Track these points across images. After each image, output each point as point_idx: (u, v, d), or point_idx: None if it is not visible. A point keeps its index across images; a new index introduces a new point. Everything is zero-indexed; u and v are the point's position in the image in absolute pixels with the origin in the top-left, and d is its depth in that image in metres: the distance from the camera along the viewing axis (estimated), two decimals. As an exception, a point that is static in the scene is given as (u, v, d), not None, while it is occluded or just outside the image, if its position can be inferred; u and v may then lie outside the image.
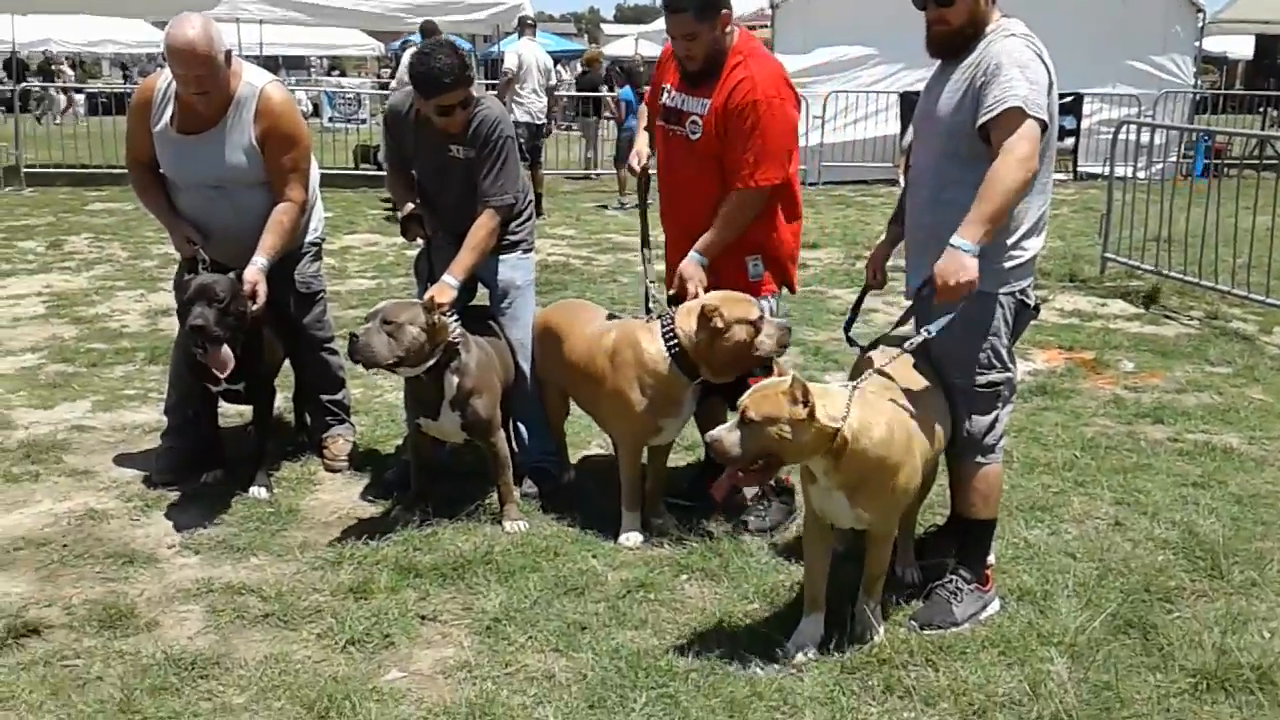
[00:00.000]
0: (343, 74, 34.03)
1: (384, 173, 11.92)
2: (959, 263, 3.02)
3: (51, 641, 3.14)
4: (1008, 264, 3.25)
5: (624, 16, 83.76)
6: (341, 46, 33.05)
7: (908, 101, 14.54)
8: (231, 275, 3.99)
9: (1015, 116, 3.05)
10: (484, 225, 4.10)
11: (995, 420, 3.37)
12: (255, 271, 3.99)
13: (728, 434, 2.93)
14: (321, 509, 4.17)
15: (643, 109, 4.48)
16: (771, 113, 3.79)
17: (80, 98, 23.57)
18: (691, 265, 3.92)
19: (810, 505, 3.22)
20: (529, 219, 4.44)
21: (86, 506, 4.08)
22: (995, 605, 3.45)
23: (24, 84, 18.29)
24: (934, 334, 3.15)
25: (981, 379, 3.30)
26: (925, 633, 3.29)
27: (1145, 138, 9.45)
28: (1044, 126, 3.08)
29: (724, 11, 3.78)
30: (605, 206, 12.66)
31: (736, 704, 2.91)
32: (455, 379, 3.86)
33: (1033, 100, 3.06)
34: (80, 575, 3.56)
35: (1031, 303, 3.36)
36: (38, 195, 12.68)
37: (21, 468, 4.42)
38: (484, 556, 3.69)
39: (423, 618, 3.34)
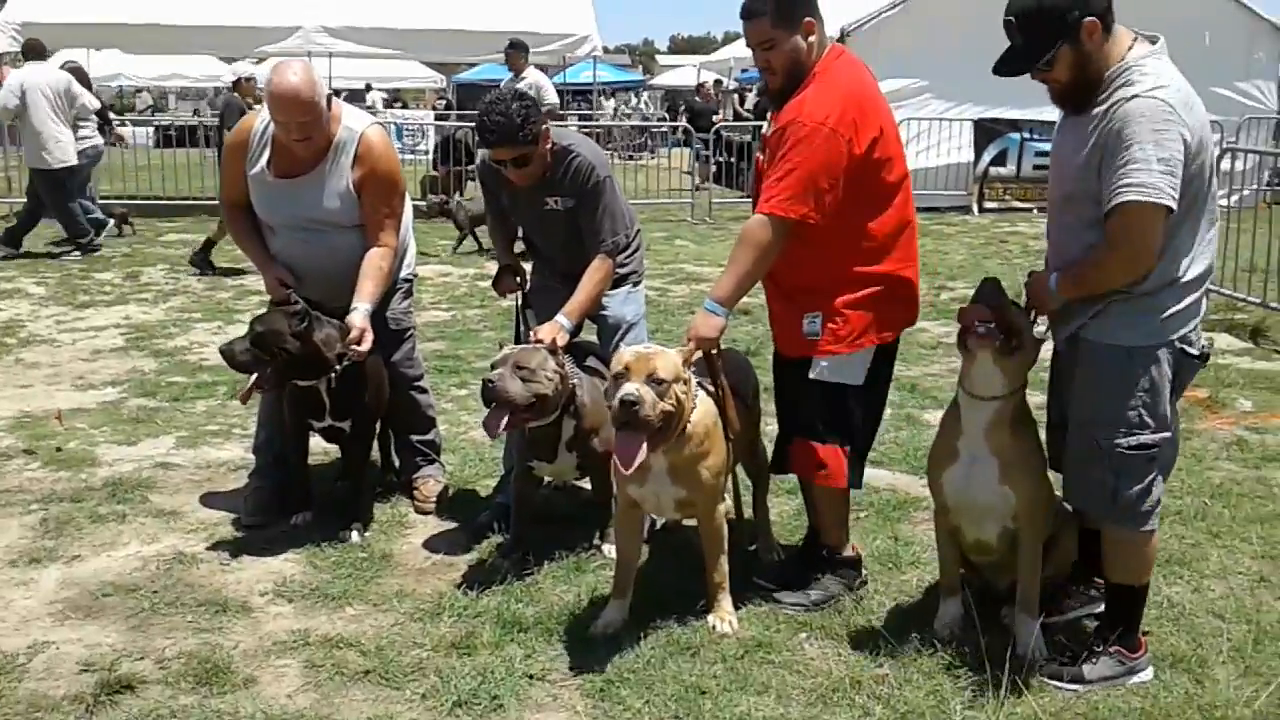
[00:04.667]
0: (404, 106, 34.34)
1: (435, 200, 11.76)
2: (1042, 294, 3.09)
3: (146, 699, 2.99)
4: (1160, 316, 2.97)
5: (678, 48, 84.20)
6: (402, 79, 33.40)
7: (982, 129, 14.31)
8: (293, 310, 3.90)
9: (1133, 212, 2.81)
10: (598, 269, 4.00)
11: (1151, 484, 3.05)
12: (360, 317, 3.92)
13: None
14: (415, 554, 4.00)
15: None
16: (809, 139, 3.20)
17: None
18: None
19: (944, 501, 3.33)
20: (637, 250, 4.30)
21: (175, 550, 3.94)
22: (1148, 673, 3.18)
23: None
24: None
25: (1131, 440, 3.00)
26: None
27: (1232, 165, 9.12)
28: (1169, 209, 2.82)
29: (806, 19, 3.29)
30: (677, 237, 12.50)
31: (879, 782, 2.67)
32: (573, 421, 3.73)
33: (1152, 184, 2.77)
34: (172, 625, 3.41)
35: (1196, 352, 3.03)
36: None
37: (108, 507, 4.31)
38: (589, 610, 3.50)
39: (530, 677, 3.14)
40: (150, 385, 6.07)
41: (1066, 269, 3.03)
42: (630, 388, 3.09)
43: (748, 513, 4.11)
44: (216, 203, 12.79)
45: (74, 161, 10.38)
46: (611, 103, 28.39)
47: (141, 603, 3.54)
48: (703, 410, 3.32)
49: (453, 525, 4.25)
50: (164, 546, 3.98)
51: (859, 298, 3.40)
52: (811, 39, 3.32)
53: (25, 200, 10.80)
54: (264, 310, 4.00)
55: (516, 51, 11.81)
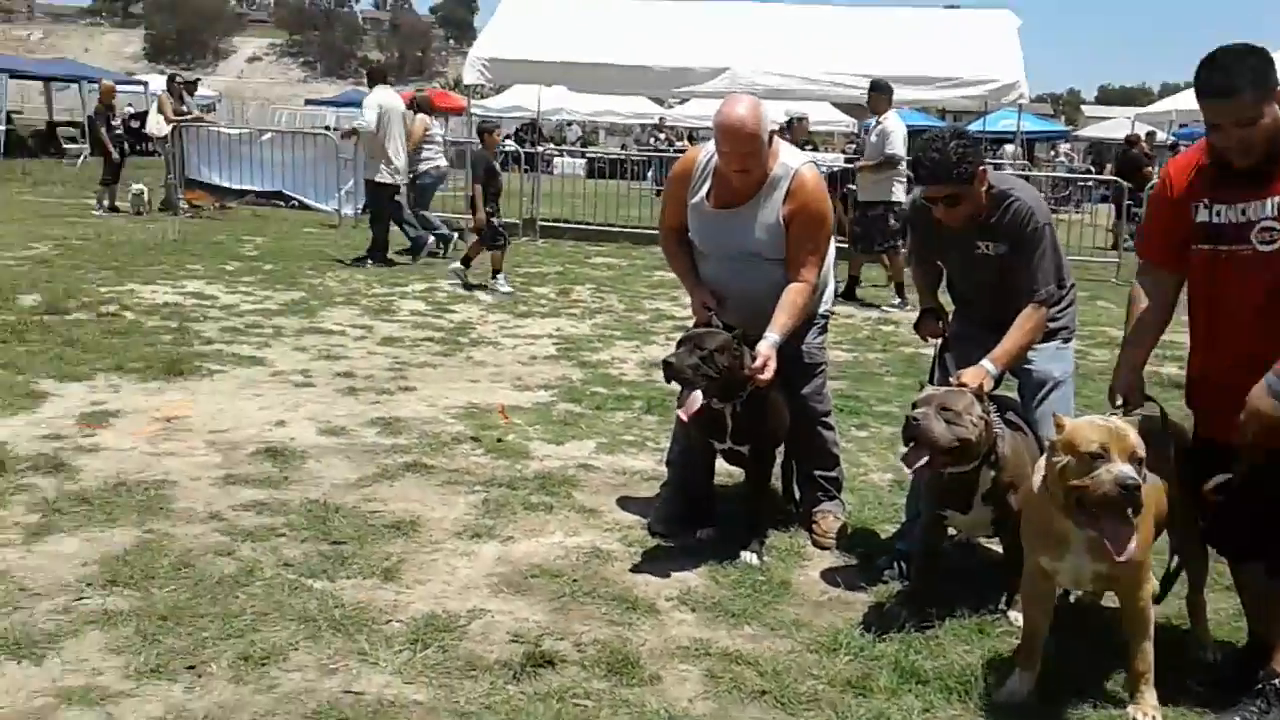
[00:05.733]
0: (815, 148, 34.97)
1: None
2: None
3: (564, 677, 3.23)
4: None
5: (1107, 98, 79.22)
6: (819, 122, 34.05)
7: None
8: (730, 333, 4.05)
9: None
10: (1030, 318, 3.86)
11: None
12: (768, 346, 4.03)
13: None
14: (812, 586, 4.03)
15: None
16: None
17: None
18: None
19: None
20: (1070, 305, 4.12)
21: (593, 544, 4.25)
22: None
23: (541, 147, 20.57)
24: None
25: None
26: None
27: None
28: None
29: (1277, 85, 3.02)
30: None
31: None
32: (992, 472, 3.61)
33: None
34: (588, 614, 3.67)
35: None
36: (548, 246, 14.10)
37: (538, 497, 4.73)
38: (991, 674, 3.35)
39: (928, 730, 3.06)
40: (576, 393, 6.60)
41: None
42: (1129, 470, 2.86)
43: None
44: (639, 231, 13.76)
45: (404, 180, 11.71)
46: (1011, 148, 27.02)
47: (563, 588, 3.84)
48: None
49: (850, 563, 4.24)
50: (584, 540, 4.29)
51: None
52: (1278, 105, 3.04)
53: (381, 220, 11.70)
54: (697, 330, 4.16)
55: (878, 94, 11.18)
